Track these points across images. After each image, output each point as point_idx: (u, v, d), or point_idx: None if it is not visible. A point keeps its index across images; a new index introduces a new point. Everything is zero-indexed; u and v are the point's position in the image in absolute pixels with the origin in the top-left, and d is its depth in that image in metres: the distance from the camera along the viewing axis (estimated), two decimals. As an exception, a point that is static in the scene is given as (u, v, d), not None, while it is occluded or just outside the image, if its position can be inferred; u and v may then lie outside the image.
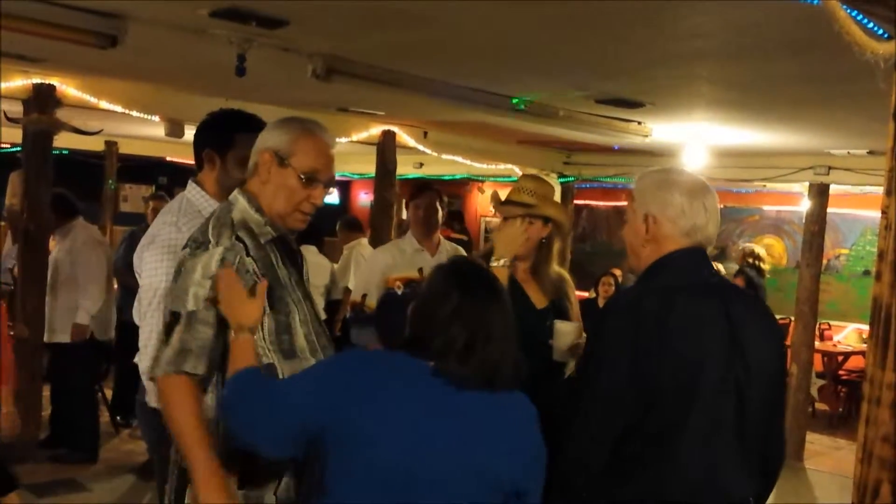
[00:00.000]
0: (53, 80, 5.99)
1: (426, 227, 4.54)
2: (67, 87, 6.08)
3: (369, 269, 4.59)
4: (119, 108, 6.54)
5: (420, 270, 4.19)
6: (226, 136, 2.75)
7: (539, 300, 3.23)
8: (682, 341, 2.16)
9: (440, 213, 4.57)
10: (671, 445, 2.16)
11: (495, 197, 3.30)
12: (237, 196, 2.34)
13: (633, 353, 2.13)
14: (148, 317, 2.51)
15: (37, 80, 5.93)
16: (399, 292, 4.01)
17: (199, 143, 2.80)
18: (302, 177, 2.29)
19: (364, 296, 4.35)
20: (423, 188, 4.71)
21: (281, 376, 2.20)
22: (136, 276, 2.66)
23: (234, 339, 2.13)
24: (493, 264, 2.97)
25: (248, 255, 2.22)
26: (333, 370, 2.00)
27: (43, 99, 5.98)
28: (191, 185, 2.75)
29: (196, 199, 2.71)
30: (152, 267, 2.54)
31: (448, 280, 2.02)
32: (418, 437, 1.86)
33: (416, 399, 1.90)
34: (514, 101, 5.52)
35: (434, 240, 4.56)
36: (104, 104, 6.39)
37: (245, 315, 2.13)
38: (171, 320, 2.18)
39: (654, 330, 2.15)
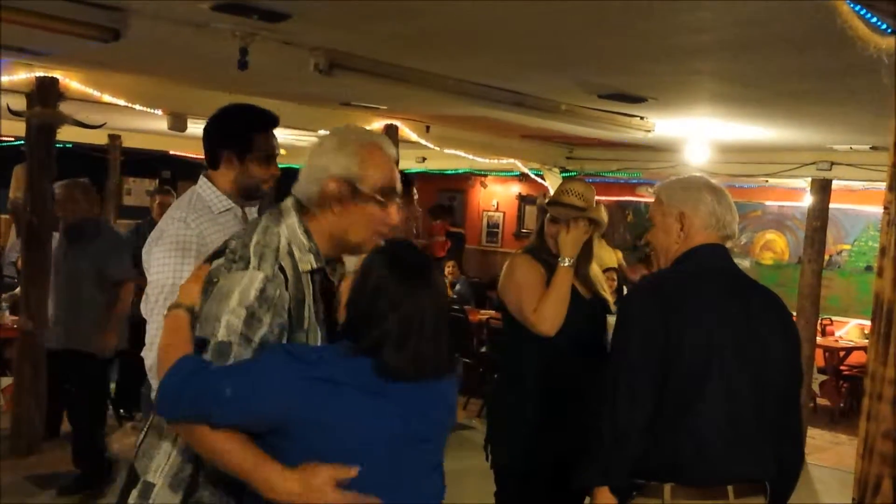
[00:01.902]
0: (56, 74, 5.99)
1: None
2: (70, 81, 6.08)
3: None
4: (122, 102, 6.54)
5: None
6: (244, 139, 2.71)
7: (583, 293, 3.40)
8: (702, 317, 2.36)
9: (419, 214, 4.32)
10: (689, 416, 2.32)
11: (550, 197, 3.47)
12: (290, 210, 2.09)
13: (663, 330, 2.32)
14: (155, 313, 2.49)
15: (40, 73, 5.94)
16: None
17: (215, 143, 2.74)
18: (379, 198, 2.06)
19: None
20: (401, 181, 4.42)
21: None
22: (145, 271, 2.66)
23: (169, 312, 2.03)
24: (563, 264, 3.21)
25: (286, 288, 1.99)
26: (278, 373, 1.86)
27: (46, 92, 5.98)
28: (202, 181, 2.72)
29: (207, 195, 2.69)
30: (160, 263, 2.52)
31: (380, 264, 1.95)
32: (367, 430, 1.85)
33: (360, 393, 1.86)
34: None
35: (410, 233, 4.33)
36: (107, 98, 6.40)
37: (188, 295, 2.03)
38: (197, 347, 1.95)
39: (677, 305, 2.36)
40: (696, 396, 2.32)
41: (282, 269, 1.99)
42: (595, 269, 3.48)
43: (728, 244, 2.57)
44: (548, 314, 3.20)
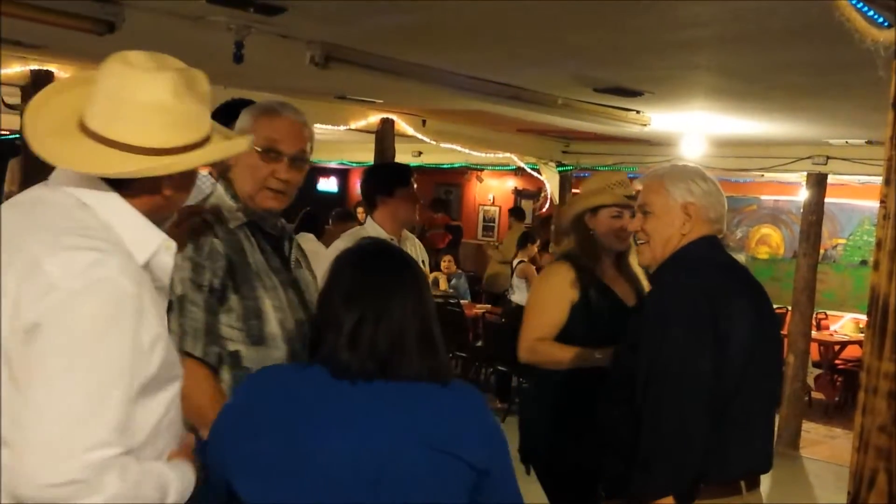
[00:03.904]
0: (51, 67, 5.97)
1: (415, 215, 4.17)
2: (65, 74, 6.06)
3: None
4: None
5: None
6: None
7: (628, 297, 3.27)
8: (742, 316, 2.33)
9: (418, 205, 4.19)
10: (730, 419, 2.29)
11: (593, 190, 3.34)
12: (216, 183, 2.40)
13: (712, 327, 2.26)
14: None
15: (34, 66, 5.92)
16: None
17: None
18: (259, 149, 2.28)
19: None
20: (410, 172, 4.19)
21: (247, 363, 2.20)
22: None
23: None
24: (597, 356, 2.99)
25: (216, 237, 2.25)
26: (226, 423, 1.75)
27: (41, 85, 5.87)
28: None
29: (202, 181, 2.79)
30: None
31: (343, 260, 1.82)
32: (318, 458, 1.65)
33: (324, 408, 1.68)
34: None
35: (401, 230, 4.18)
36: (102, 91, 6.37)
37: None
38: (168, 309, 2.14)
39: (723, 304, 2.30)
40: (732, 395, 2.29)
41: (209, 224, 2.25)
42: (634, 262, 3.33)
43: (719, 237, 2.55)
44: (534, 358, 3.20)
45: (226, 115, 2.83)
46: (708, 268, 2.41)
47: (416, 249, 4.21)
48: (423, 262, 4.25)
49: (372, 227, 4.03)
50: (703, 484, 2.28)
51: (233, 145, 1.79)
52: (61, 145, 1.58)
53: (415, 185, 4.11)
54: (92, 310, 1.48)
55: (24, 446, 1.45)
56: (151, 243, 1.63)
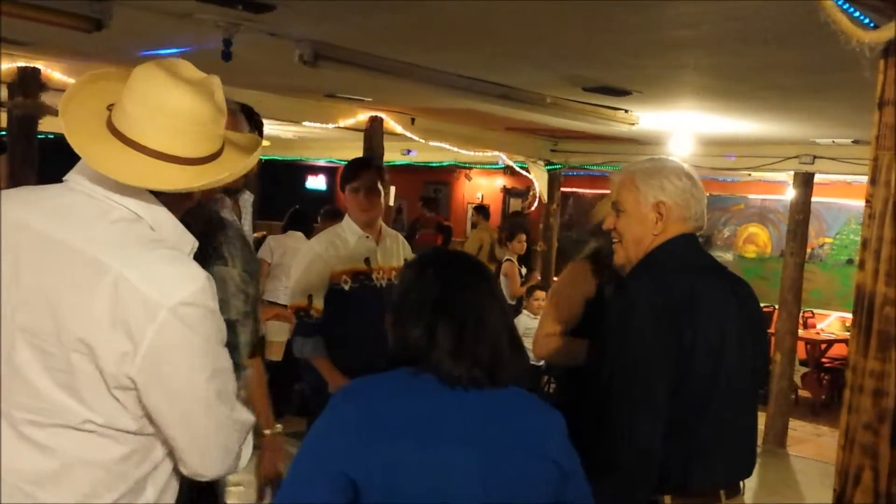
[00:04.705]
0: (38, 64, 5.95)
1: (368, 211, 3.87)
2: (52, 71, 6.04)
3: (307, 264, 3.82)
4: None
5: (367, 261, 3.82)
6: None
7: None
8: (710, 322, 2.20)
9: (382, 194, 3.94)
10: (696, 424, 2.19)
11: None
12: None
13: (676, 336, 2.14)
14: None
15: (21, 63, 5.89)
16: (346, 288, 3.72)
17: None
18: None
19: (310, 297, 3.73)
20: (360, 166, 3.98)
21: None
22: None
23: None
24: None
25: None
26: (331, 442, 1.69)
27: (28, 82, 5.94)
28: None
29: None
30: None
31: (425, 270, 1.81)
32: (444, 465, 1.66)
33: (434, 424, 1.69)
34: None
35: (376, 225, 3.94)
36: (89, 88, 6.34)
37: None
38: None
39: (687, 311, 2.17)
40: (704, 403, 2.18)
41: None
42: None
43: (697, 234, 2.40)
44: (546, 354, 3.16)
45: None
46: (679, 272, 2.27)
47: (398, 247, 4.04)
48: (405, 259, 4.04)
49: (348, 225, 3.91)
50: (679, 496, 2.20)
51: (254, 151, 1.77)
52: (105, 152, 1.57)
53: (374, 178, 3.89)
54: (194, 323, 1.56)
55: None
56: (187, 246, 1.68)
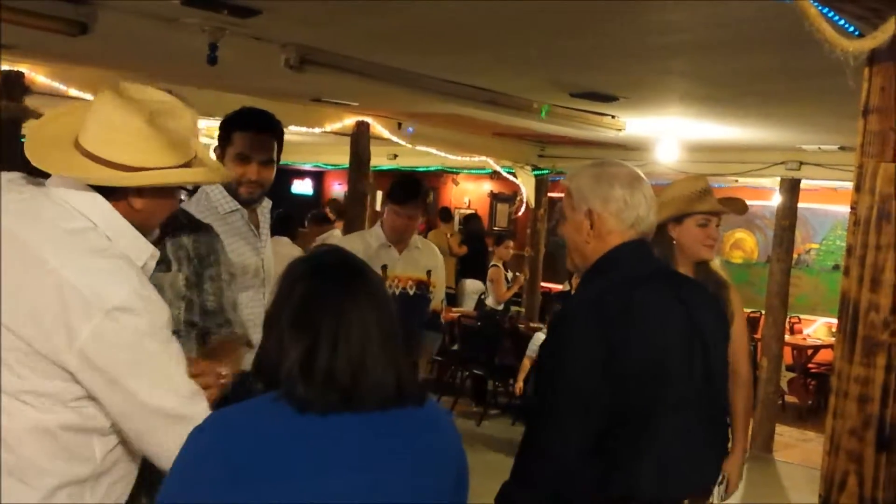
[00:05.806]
0: (22, 67, 5.92)
1: (402, 233, 4.10)
2: (36, 75, 6.00)
3: None
4: (89, 96, 6.44)
5: (384, 268, 3.93)
6: (224, 136, 2.88)
7: None
8: (649, 332, 2.12)
9: (419, 222, 4.13)
10: (645, 437, 2.11)
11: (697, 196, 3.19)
12: None
13: (605, 349, 2.06)
14: None
15: (5, 66, 5.85)
16: None
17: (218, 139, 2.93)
18: None
19: None
20: (409, 195, 4.07)
21: None
22: None
23: None
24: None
25: None
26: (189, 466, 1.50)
27: (11, 86, 5.90)
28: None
29: (215, 195, 2.87)
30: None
31: (292, 272, 1.58)
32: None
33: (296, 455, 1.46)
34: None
35: (405, 240, 4.15)
36: (74, 92, 6.32)
37: None
38: None
39: (621, 323, 2.09)
40: (651, 414, 2.11)
41: None
42: (720, 273, 3.22)
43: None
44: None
45: (221, 124, 2.87)
46: (619, 283, 2.17)
47: (425, 256, 4.21)
48: (428, 271, 4.18)
49: (376, 232, 4.16)
50: None
51: (185, 173, 1.85)
52: (53, 156, 1.78)
53: (419, 209, 4.11)
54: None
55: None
56: (143, 254, 1.83)
